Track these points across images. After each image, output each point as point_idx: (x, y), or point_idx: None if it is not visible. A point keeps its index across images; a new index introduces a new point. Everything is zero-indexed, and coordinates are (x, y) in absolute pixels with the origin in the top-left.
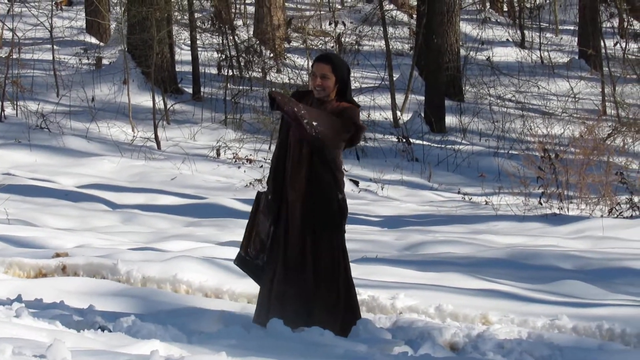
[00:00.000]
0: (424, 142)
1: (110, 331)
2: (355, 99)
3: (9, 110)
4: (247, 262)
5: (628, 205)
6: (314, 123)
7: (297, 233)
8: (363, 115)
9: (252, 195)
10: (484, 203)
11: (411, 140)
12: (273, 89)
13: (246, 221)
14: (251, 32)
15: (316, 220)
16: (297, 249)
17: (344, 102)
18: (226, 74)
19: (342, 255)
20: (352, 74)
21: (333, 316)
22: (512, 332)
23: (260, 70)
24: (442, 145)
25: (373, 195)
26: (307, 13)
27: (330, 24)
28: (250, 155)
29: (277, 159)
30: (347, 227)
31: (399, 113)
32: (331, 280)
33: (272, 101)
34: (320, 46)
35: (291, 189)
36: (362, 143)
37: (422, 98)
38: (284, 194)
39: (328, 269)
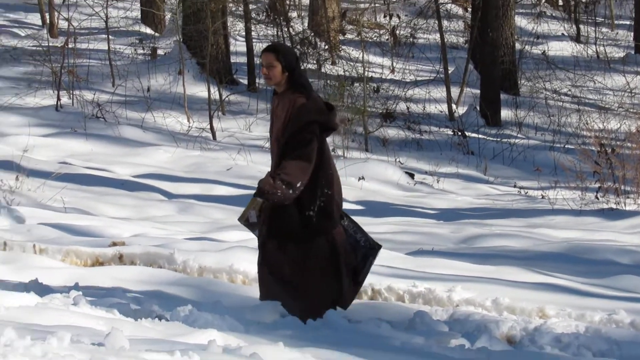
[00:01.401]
0: (480, 136)
1: (167, 320)
2: (411, 92)
3: (65, 99)
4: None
5: None
6: (297, 185)
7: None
8: (419, 108)
9: None
10: (540, 197)
11: (467, 133)
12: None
13: None
14: (306, 24)
15: (277, 229)
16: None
17: (297, 93)
18: None
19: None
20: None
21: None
22: (569, 326)
23: (315, 62)
24: (498, 139)
25: (429, 188)
26: (362, 5)
27: (384, 16)
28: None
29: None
30: (403, 219)
31: (454, 106)
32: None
33: (259, 191)
34: (374, 38)
35: None
36: (417, 136)
37: (478, 91)
38: None
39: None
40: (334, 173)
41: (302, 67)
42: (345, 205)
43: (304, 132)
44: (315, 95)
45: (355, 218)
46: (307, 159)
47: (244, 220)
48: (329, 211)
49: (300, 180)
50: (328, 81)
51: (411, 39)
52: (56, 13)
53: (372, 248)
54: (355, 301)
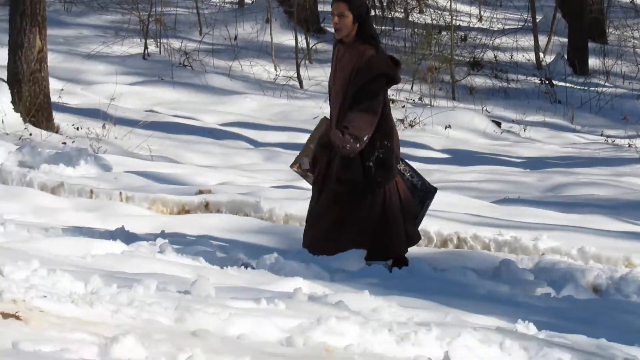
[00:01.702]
0: (567, 84)
1: (253, 268)
2: (498, 40)
3: (152, 47)
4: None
5: None
6: (364, 139)
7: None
8: (506, 57)
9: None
10: (627, 146)
11: (554, 82)
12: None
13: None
14: None
15: (346, 178)
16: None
17: (367, 45)
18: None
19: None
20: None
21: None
22: None
23: (402, 10)
24: (585, 88)
25: (515, 136)
26: None
27: None
28: (393, 95)
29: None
30: (489, 168)
31: (541, 55)
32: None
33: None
34: None
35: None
36: (504, 84)
37: (565, 40)
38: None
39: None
40: (393, 125)
41: (375, 17)
42: (432, 154)
43: (374, 84)
44: (382, 48)
45: (442, 166)
46: (373, 111)
47: (297, 167)
48: (388, 163)
49: (367, 134)
50: (415, 29)
51: None
52: None
53: (429, 191)
54: (441, 249)
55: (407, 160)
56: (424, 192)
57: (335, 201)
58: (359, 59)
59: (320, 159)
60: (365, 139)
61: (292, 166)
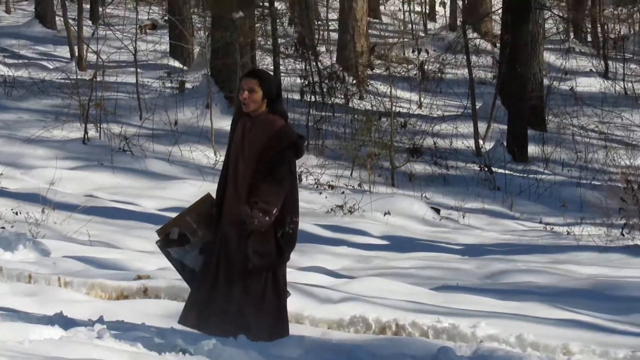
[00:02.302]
0: (506, 171)
1: (191, 354)
2: (438, 127)
3: (92, 132)
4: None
5: None
6: (274, 212)
7: (232, 259)
8: (445, 143)
9: (333, 221)
10: (566, 233)
11: (493, 169)
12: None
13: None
14: (334, 59)
15: (251, 258)
16: (233, 273)
17: (277, 116)
18: (309, 99)
19: (276, 283)
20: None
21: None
22: None
23: (342, 96)
24: (524, 175)
25: (454, 223)
26: (391, 40)
27: (413, 51)
28: (332, 181)
29: (221, 177)
30: (428, 254)
31: (481, 142)
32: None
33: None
34: (403, 73)
35: (227, 212)
36: (444, 171)
37: (505, 127)
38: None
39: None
40: (298, 198)
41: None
42: (371, 241)
43: (285, 152)
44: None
45: (381, 253)
46: (282, 183)
47: (163, 235)
48: (294, 239)
49: (276, 206)
50: (355, 116)
51: (439, 74)
52: (85, 46)
53: None
54: (380, 336)
55: None
56: None
57: (254, 279)
58: (270, 128)
59: (230, 236)
60: (274, 211)
61: (158, 231)
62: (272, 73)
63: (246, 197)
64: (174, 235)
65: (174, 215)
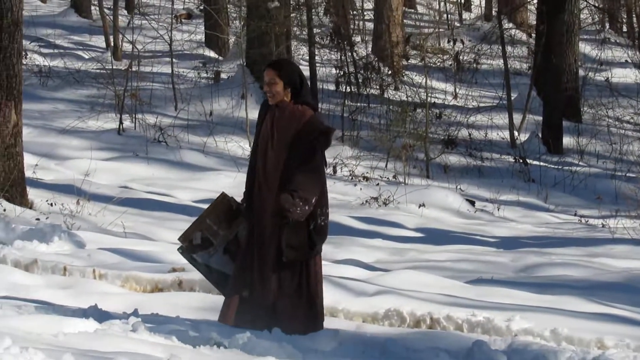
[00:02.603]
0: (541, 163)
1: (225, 347)
2: (473, 118)
3: (127, 123)
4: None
5: None
6: (312, 200)
7: (265, 252)
8: (480, 135)
9: (368, 213)
10: (601, 226)
11: (528, 161)
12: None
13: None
14: (370, 49)
15: (284, 249)
16: (266, 266)
17: (305, 106)
18: (344, 90)
19: (309, 275)
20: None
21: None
22: (627, 357)
23: (378, 87)
24: (559, 167)
25: (489, 215)
26: (426, 30)
27: (448, 41)
28: (367, 173)
29: (249, 168)
30: (463, 247)
31: (516, 133)
32: (296, 294)
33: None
34: (438, 64)
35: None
36: (479, 163)
37: (540, 118)
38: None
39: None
40: (327, 193)
41: (310, 84)
42: (406, 233)
43: (318, 142)
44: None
45: (416, 245)
46: (319, 171)
47: (187, 242)
48: (325, 231)
49: (315, 195)
50: (390, 106)
51: (474, 65)
52: (120, 36)
53: None
54: (414, 329)
55: None
56: None
57: (288, 272)
58: (299, 119)
59: (263, 227)
60: (313, 201)
61: (181, 238)
62: (293, 62)
63: (277, 188)
64: (197, 240)
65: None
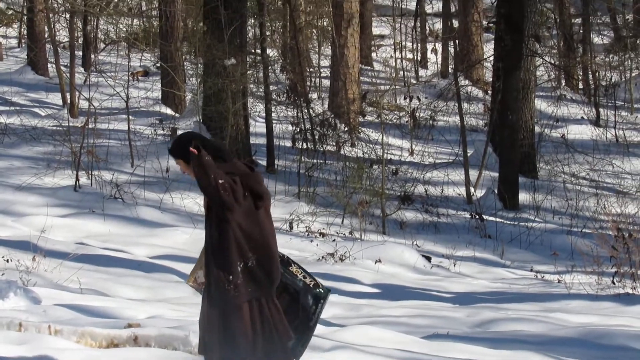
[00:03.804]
0: (497, 219)
1: None
2: (429, 174)
3: (83, 179)
4: None
5: None
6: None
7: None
8: (437, 191)
9: (324, 269)
10: (557, 281)
11: (484, 217)
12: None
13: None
14: (326, 106)
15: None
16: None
17: None
18: (300, 147)
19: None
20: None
21: None
22: None
23: (334, 143)
24: (515, 223)
25: (445, 271)
26: (382, 87)
27: (405, 98)
28: (323, 229)
29: None
30: (419, 303)
31: (472, 189)
32: None
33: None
34: (394, 120)
35: None
36: (435, 219)
37: (496, 174)
38: None
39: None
40: (265, 241)
41: (213, 143)
42: (362, 289)
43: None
44: (236, 162)
45: (372, 301)
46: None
47: (193, 281)
48: (255, 276)
49: (224, 181)
50: (347, 163)
51: (431, 122)
52: (77, 93)
53: (325, 293)
54: None
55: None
56: (318, 293)
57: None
58: None
59: None
60: (221, 182)
61: (188, 282)
62: (183, 136)
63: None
64: (201, 278)
65: (165, 263)
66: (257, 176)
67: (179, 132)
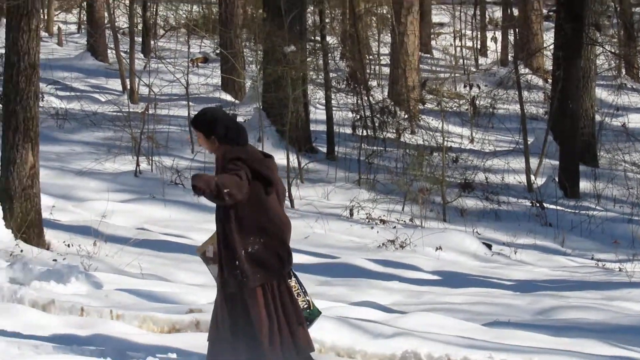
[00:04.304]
0: (558, 207)
1: None
2: (489, 162)
3: (144, 165)
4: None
5: None
6: (226, 191)
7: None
8: (497, 179)
9: (385, 255)
10: (618, 270)
11: (545, 205)
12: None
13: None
14: (386, 93)
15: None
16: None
17: (226, 145)
18: (360, 134)
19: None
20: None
21: None
22: None
23: (394, 131)
24: (576, 211)
25: (506, 259)
26: (442, 75)
27: (464, 86)
28: (384, 215)
29: None
30: (480, 290)
31: (533, 177)
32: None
33: (194, 187)
34: (454, 108)
35: None
36: (495, 206)
37: (557, 163)
38: None
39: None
40: (274, 225)
41: (236, 124)
42: (423, 276)
43: (228, 165)
44: (252, 149)
45: (433, 288)
46: (237, 175)
47: (202, 254)
48: (261, 259)
49: (230, 189)
50: (407, 150)
51: (491, 109)
52: (137, 79)
53: (313, 315)
54: None
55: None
56: (307, 315)
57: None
58: (220, 157)
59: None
60: (226, 191)
61: (197, 251)
62: (209, 110)
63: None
64: (210, 253)
65: None
66: (269, 162)
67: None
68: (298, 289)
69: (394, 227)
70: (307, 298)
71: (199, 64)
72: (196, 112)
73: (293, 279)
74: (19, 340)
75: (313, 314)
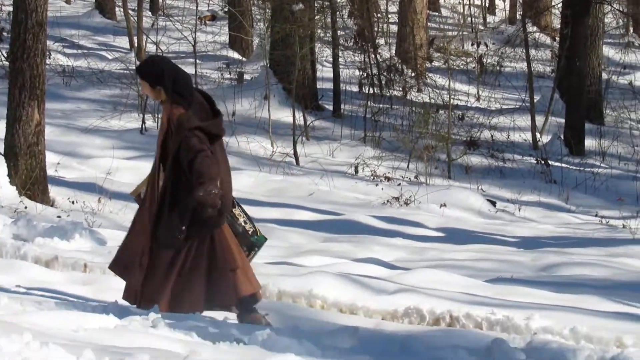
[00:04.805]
0: (563, 165)
1: (245, 344)
2: (495, 120)
3: (149, 122)
4: None
5: None
6: (214, 192)
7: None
8: (502, 136)
9: (389, 212)
10: (622, 227)
11: (550, 162)
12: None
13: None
14: (393, 51)
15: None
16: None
17: (175, 104)
18: (367, 91)
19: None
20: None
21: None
22: None
23: (401, 89)
24: (581, 168)
25: (510, 215)
26: (450, 33)
27: (472, 44)
28: (389, 173)
29: None
30: (483, 247)
31: (538, 135)
32: None
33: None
34: (462, 66)
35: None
36: (500, 164)
37: (562, 120)
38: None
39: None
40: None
41: (183, 75)
42: (427, 232)
43: (188, 139)
44: (199, 101)
45: (437, 245)
46: (206, 157)
47: (136, 196)
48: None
49: (214, 187)
50: (413, 108)
51: (498, 67)
52: (144, 37)
53: (259, 241)
54: (434, 327)
55: (242, 205)
56: (254, 241)
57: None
58: (170, 118)
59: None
60: (215, 192)
61: (131, 194)
62: (156, 58)
63: (157, 172)
64: (143, 194)
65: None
66: (221, 122)
67: (245, 77)
68: (244, 217)
69: (399, 184)
70: (253, 224)
71: (207, 21)
72: (142, 61)
73: (237, 207)
74: (22, 297)
75: (259, 240)
